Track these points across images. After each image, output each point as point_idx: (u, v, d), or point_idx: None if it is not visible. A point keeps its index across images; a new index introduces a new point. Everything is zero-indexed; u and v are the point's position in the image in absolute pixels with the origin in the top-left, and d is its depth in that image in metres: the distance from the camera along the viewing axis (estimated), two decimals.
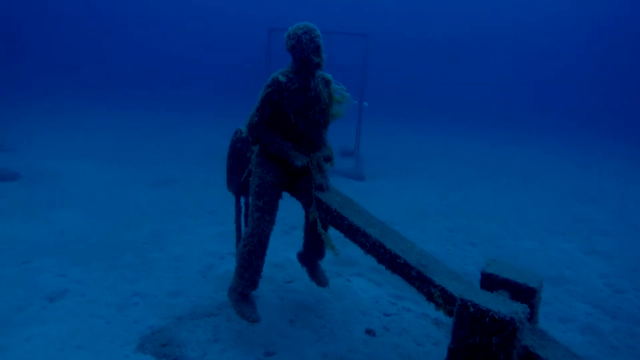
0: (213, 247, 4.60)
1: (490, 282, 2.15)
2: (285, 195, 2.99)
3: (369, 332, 3.19)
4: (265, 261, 2.94)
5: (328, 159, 2.85)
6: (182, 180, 7.45)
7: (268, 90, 2.59)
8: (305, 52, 2.53)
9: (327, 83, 2.72)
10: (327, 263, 3.97)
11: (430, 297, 2.19)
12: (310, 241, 3.24)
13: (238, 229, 3.24)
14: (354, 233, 2.48)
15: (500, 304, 1.83)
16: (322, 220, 2.67)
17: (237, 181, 3.08)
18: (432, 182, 8.42)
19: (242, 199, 3.24)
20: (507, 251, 5.15)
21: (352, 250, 3.90)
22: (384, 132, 14.45)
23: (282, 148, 2.61)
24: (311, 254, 3.30)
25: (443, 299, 2.12)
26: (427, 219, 6.20)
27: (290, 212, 4.23)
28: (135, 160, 8.67)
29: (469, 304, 1.82)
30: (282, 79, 2.58)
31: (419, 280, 2.23)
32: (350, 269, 4.25)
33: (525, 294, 2.04)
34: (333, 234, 2.79)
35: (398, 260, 2.30)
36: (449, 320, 3.51)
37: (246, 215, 3.29)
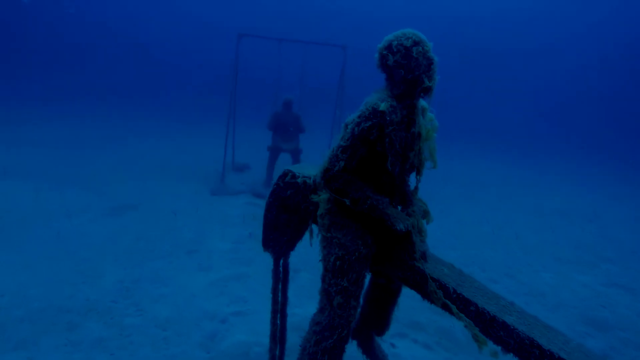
0: (209, 305, 3.58)
1: None
2: None
3: None
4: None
5: (425, 215, 2.10)
6: (143, 206, 6.21)
7: (367, 124, 1.75)
8: (415, 72, 1.77)
9: (424, 112, 1.97)
10: None
11: None
12: (371, 315, 2.44)
13: (275, 301, 2.36)
14: (487, 324, 1.75)
15: None
16: (432, 302, 1.89)
17: (282, 240, 2.21)
18: None
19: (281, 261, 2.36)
20: (531, 287, 4.72)
21: None
22: None
23: (379, 205, 1.80)
24: (370, 329, 2.50)
25: None
26: (434, 250, 5.63)
27: None
28: (80, 179, 7.19)
29: None
30: (385, 108, 1.76)
31: None
32: None
33: None
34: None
35: None
36: None
37: (285, 282, 2.42)
